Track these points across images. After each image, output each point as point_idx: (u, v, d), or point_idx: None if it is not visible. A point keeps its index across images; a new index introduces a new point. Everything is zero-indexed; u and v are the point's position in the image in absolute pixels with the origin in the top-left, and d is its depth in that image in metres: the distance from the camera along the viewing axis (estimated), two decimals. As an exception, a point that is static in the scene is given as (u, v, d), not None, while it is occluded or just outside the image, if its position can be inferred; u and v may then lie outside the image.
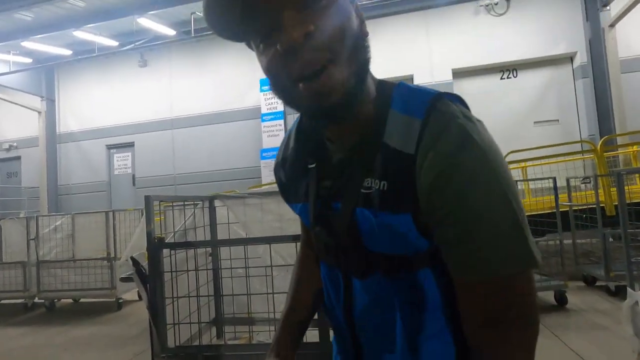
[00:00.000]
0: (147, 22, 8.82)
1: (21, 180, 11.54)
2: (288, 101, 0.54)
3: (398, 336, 0.60)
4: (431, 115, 0.52)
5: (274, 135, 9.12)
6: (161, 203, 1.89)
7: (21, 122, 11.46)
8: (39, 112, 10.98)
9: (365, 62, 0.54)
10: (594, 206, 4.01)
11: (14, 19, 8.67)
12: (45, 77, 11.22)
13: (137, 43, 9.33)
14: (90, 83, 11.07)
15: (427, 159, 0.50)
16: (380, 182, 0.54)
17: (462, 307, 0.54)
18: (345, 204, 0.58)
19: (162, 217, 2.21)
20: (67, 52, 10.10)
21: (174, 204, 2.14)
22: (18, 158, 11.69)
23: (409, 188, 0.52)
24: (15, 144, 11.68)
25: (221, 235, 2.12)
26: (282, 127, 9.09)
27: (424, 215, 0.52)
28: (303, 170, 0.66)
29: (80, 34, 9.18)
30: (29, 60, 10.38)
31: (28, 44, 9.49)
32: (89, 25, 8.90)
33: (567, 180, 4.45)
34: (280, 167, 0.72)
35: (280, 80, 0.52)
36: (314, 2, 0.49)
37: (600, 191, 4.20)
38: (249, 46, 0.56)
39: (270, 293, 1.67)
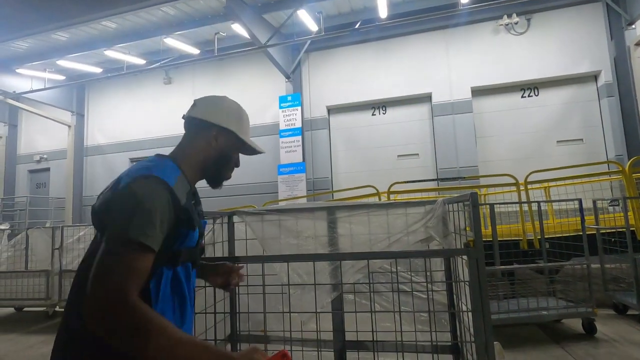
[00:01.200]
0: (173, 41, 9.22)
1: (49, 190, 12.02)
2: (221, 172, 1.20)
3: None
4: None
5: (292, 151, 9.22)
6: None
7: (52, 135, 12.04)
8: (69, 126, 11.51)
9: None
10: (624, 229, 3.84)
11: (51, 39, 9.24)
12: (77, 93, 11.82)
13: (163, 61, 9.74)
14: (118, 99, 11.57)
15: None
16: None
17: None
18: (202, 219, 1.18)
19: (182, 231, 2.24)
20: (98, 69, 10.64)
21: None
22: (47, 169, 12.21)
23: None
24: (45, 156, 12.23)
25: (238, 251, 2.13)
26: (300, 143, 9.20)
27: None
28: (193, 207, 1.06)
29: (111, 53, 9.68)
30: (62, 77, 10.98)
31: (62, 62, 10.06)
32: (119, 45, 9.38)
33: (594, 202, 4.28)
34: (185, 204, 1.01)
35: (230, 168, 1.23)
36: None
37: (630, 214, 4.02)
38: (243, 152, 1.28)
39: (287, 312, 1.65)
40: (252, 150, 1.25)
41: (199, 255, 1.12)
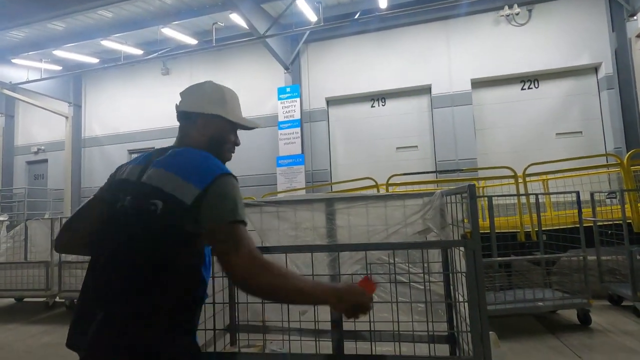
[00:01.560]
0: (170, 31, 9.12)
1: (47, 182, 12.00)
2: (218, 157, 1.17)
3: None
4: None
5: (291, 142, 9.20)
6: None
7: (49, 126, 11.97)
8: (66, 117, 11.44)
9: None
10: (620, 222, 3.86)
11: (47, 28, 9.12)
12: (73, 83, 11.71)
13: (160, 52, 9.64)
14: (115, 90, 11.48)
15: None
16: None
17: None
18: None
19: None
20: (95, 60, 10.53)
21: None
22: (45, 161, 12.17)
23: None
24: (43, 147, 12.18)
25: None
26: (299, 134, 9.16)
27: None
28: None
29: (108, 43, 9.57)
30: (58, 67, 10.87)
31: (58, 53, 9.95)
32: (115, 35, 9.27)
33: (591, 195, 4.30)
34: None
35: (226, 150, 1.27)
36: None
37: (627, 206, 4.04)
38: (241, 128, 1.31)
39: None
40: (245, 127, 1.30)
41: None
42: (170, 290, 1.00)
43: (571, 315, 3.67)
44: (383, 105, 9.20)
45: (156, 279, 0.99)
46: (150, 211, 1.03)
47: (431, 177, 7.96)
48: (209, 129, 1.22)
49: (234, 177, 1.11)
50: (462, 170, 6.68)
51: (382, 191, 5.20)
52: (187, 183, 1.03)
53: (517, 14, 8.19)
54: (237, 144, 1.30)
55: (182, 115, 1.24)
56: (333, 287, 1.01)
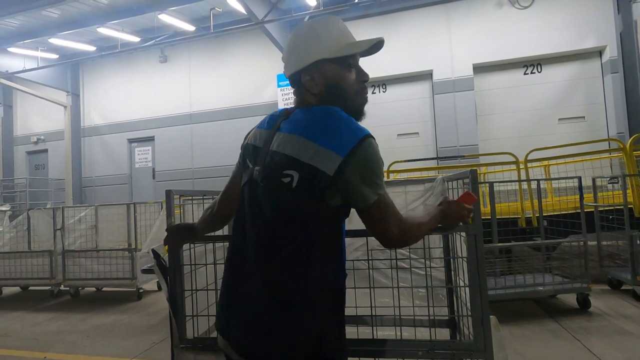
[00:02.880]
0: (167, 18, 8.97)
1: (48, 172, 12.01)
2: (348, 105, 1.07)
3: None
4: None
5: (291, 130, 9.14)
6: (181, 197, 1.92)
7: (48, 116, 11.91)
8: (65, 107, 11.36)
9: None
10: (621, 207, 3.86)
11: (41, 16, 8.97)
12: (71, 72, 11.60)
13: (158, 39, 9.50)
14: (113, 78, 11.37)
15: None
16: None
17: None
18: None
19: (182, 211, 2.25)
20: (92, 48, 10.39)
21: (193, 197, 2.17)
22: (45, 151, 12.15)
23: None
24: (42, 137, 12.15)
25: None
26: (299, 122, 9.09)
27: None
28: None
29: (104, 31, 9.43)
30: (55, 56, 10.74)
31: (54, 41, 9.82)
32: (112, 22, 9.12)
33: (593, 180, 4.29)
34: None
35: (355, 93, 1.12)
36: None
37: (629, 192, 4.03)
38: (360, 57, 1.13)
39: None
40: (364, 52, 1.11)
41: None
42: (313, 278, 0.91)
43: (571, 299, 3.70)
44: (384, 92, 9.10)
45: (298, 263, 0.90)
46: (283, 185, 0.91)
47: (432, 164, 7.93)
48: (318, 82, 1.01)
49: (372, 136, 0.98)
50: (464, 156, 6.65)
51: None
52: (325, 149, 0.89)
53: (520, -3, 8.03)
54: (363, 79, 1.10)
55: (292, 79, 1.06)
56: (438, 212, 1.11)
